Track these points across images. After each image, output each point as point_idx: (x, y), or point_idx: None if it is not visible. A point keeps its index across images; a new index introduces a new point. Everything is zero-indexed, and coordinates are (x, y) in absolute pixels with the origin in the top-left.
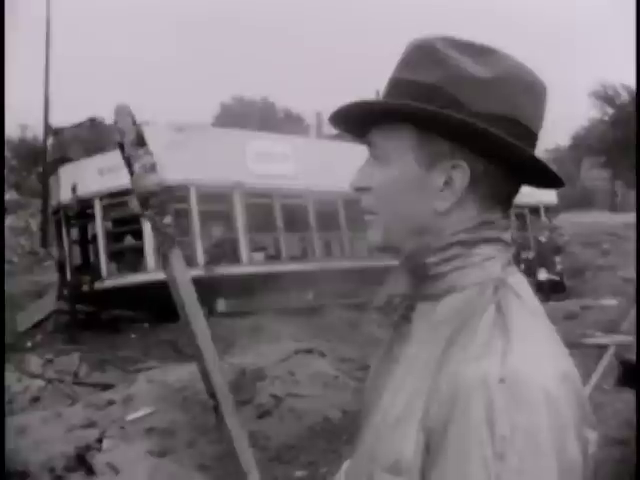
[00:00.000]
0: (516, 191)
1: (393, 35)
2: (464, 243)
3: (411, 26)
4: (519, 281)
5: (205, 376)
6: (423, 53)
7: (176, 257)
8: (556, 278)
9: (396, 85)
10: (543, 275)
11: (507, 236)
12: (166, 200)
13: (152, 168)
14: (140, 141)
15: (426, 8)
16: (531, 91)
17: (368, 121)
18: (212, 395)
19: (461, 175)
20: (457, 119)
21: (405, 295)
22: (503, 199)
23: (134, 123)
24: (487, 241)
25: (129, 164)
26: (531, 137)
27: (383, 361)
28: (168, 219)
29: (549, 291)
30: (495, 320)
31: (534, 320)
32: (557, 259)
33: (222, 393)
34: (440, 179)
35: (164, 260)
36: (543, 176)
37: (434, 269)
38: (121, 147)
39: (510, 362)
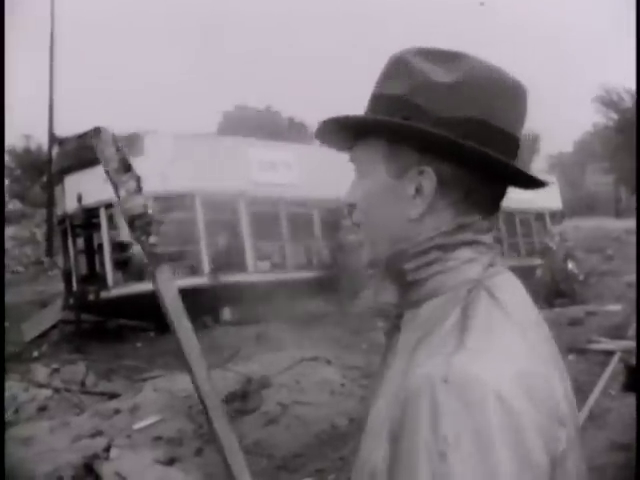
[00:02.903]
0: (498, 193)
1: (398, 44)
2: (441, 247)
3: (417, 35)
4: (501, 282)
5: (195, 384)
6: (394, 66)
7: (163, 274)
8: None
9: (372, 100)
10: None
11: (487, 238)
12: (151, 221)
13: (137, 191)
14: (125, 167)
15: (434, 18)
16: (503, 92)
17: (346, 137)
18: (202, 402)
19: (428, 181)
20: (414, 128)
21: (394, 304)
22: (481, 202)
23: (118, 149)
24: (465, 244)
25: (115, 190)
26: (506, 138)
27: (379, 368)
28: (153, 239)
29: (557, 294)
30: (457, 321)
31: (504, 320)
32: (570, 265)
33: (210, 400)
34: (410, 187)
35: (152, 277)
36: (521, 177)
37: (412, 275)
38: (107, 173)
39: (457, 362)
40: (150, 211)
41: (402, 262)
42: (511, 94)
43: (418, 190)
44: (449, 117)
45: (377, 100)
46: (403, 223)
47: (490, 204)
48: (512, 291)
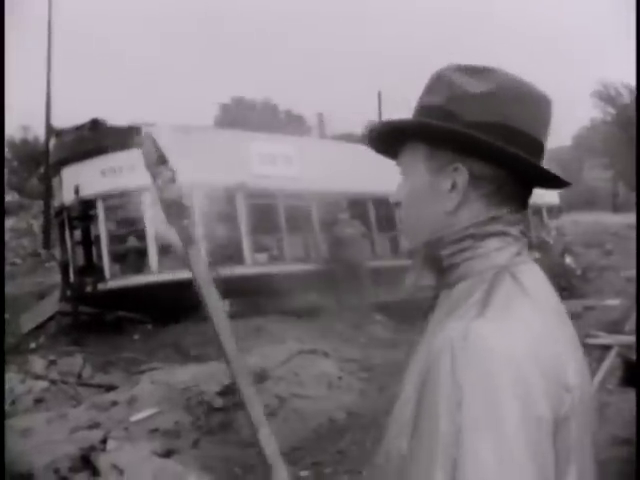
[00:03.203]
0: (525, 191)
1: (394, 36)
2: (473, 236)
3: (412, 28)
4: (525, 269)
5: (227, 362)
6: (434, 80)
7: (195, 252)
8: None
9: (415, 112)
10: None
11: (515, 230)
12: (184, 206)
13: (172, 180)
14: (162, 160)
15: (428, 12)
16: (529, 102)
17: (393, 143)
18: (233, 380)
19: (462, 177)
20: (445, 128)
21: (431, 286)
22: (511, 197)
23: (156, 147)
24: (495, 234)
25: (154, 180)
26: (530, 141)
27: (412, 349)
28: (186, 222)
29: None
30: (481, 298)
31: (522, 300)
32: (567, 260)
33: (242, 378)
34: (446, 183)
35: (185, 256)
36: (546, 177)
37: (448, 260)
38: (147, 166)
39: (475, 325)
40: (183, 198)
41: (439, 249)
42: (536, 103)
43: (453, 185)
44: (479, 121)
45: (418, 111)
46: (440, 215)
47: (519, 200)
48: (534, 278)
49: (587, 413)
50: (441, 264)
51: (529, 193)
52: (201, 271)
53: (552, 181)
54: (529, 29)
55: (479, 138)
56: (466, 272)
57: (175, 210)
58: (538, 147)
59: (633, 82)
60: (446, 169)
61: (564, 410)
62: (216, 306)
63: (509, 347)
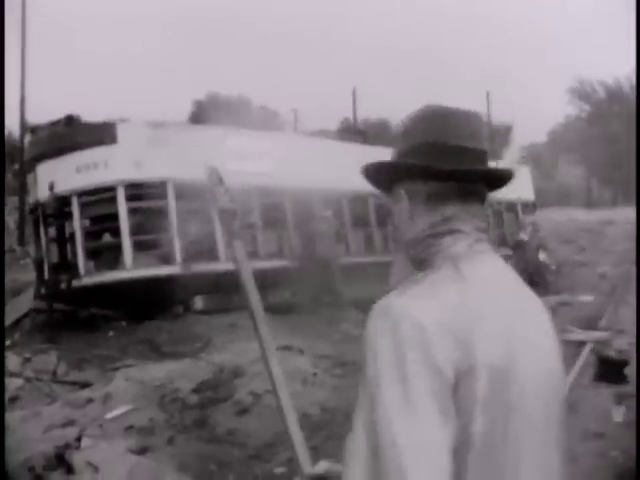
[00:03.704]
0: (470, 191)
1: (372, 32)
2: (432, 236)
3: (389, 24)
4: (471, 258)
5: (263, 354)
6: None
7: (239, 246)
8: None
9: None
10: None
11: (467, 226)
12: (235, 211)
13: (225, 194)
14: (220, 181)
15: (405, 9)
16: (453, 119)
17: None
18: (269, 375)
19: (403, 199)
20: (368, 166)
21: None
22: (458, 199)
23: (217, 173)
24: (447, 233)
25: (214, 195)
26: (461, 151)
27: None
28: (235, 222)
29: (529, 284)
30: (415, 282)
31: (451, 282)
32: (541, 256)
33: (276, 377)
34: (400, 204)
35: (231, 249)
36: (486, 176)
37: (417, 256)
38: (211, 187)
39: (393, 298)
40: (233, 205)
41: (409, 249)
42: (461, 119)
43: (405, 204)
44: (409, 147)
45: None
46: (407, 226)
47: (464, 198)
48: (479, 266)
49: (524, 380)
50: (414, 260)
51: (473, 192)
52: (244, 262)
53: (496, 179)
54: (504, 23)
55: (389, 163)
56: (431, 265)
57: (227, 215)
58: (473, 154)
59: (608, 79)
60: (398, 193)
61: (465, 369)
62: (254, 295)
63: (417, 316)
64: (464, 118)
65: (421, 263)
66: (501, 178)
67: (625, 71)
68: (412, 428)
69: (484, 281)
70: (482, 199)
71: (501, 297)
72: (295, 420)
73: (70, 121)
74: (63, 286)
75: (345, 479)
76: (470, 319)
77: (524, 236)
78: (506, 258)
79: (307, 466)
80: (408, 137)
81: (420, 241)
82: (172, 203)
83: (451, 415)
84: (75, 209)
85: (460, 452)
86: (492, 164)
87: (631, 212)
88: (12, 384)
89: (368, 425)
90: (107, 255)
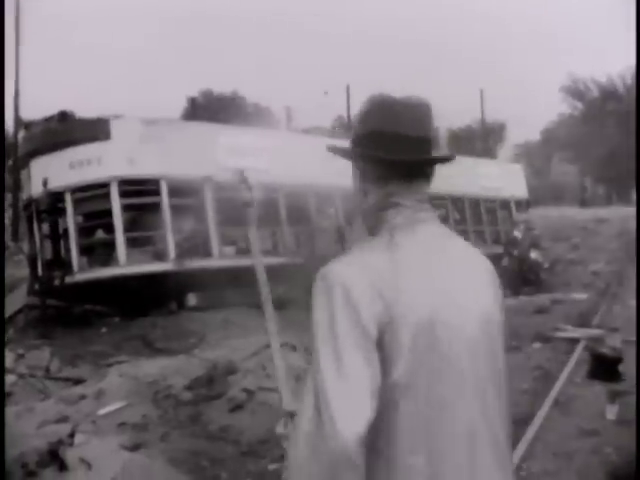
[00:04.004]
0: (408, 170)
1: (366, 29)
2: (379, 209)
3: (384, 21)
4: (408, 228)
5: (273, 350)
6: None
7: (254, 234)
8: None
9: None
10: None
11: (409, 200)
12: (252, 202)
13: (247, 189)
14: (244, 179)
15: (398, 4)
16: (401, 109)
17: None
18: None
19: (356, 176)
20: (334, 149)
21: None
22: (399, 178)
23: (241, 172)
24: (391, 206)
25: (242, 191)
26: (404, 138)
27: None
28: (251, 210)
29: (523, 283)
30: (360, 245)
31: (381, 249)
32: (534, 254)
33: (279, 364)
34: (356, 182)
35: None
36: (422, 160)
37: (368, 226)
38: (239, 183)
39: (331, 266)
40: (252, 199)
41: (363, 219)
42: (407, 108)
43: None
44: (360, 134)
45: None
46: (361, 200)
47: (407, 178)
48: (416, 233)
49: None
50: (368, 228)
51: (412, 171)
52: (257, 252)
53: (439, 161)
54: (503, 22)
55: (342, 149)
56: (378, 233)
57: (247, 205)
58: (418, 141)
59: (602, 77)
60: (354, 172)
61: (386, 321)
62: (264, 285)
63: (347, 282)
64: (410, 108)
65: (372, 231)
66: (441, 160)
67: (618, 69)
68: (339, 378)
69: (416, 246)
70: (426, 177)
71: (431, 259)
72: (282, 363)
73: (64, 117)
74: (57, 282)
75: (296, 422)
76: (395, 279)
77: (517, 234)
78: (496, 256)
79: (288, 403)
80: (360, 124)
81: (371, 213)
82: (165, 200)
83: (375, 365)
84: (68, 205)
85: (389, 392)
86: (474, 157)
87: (624, 210)
88: (6, 380)
89: (312, 376)
90: (100, 251)
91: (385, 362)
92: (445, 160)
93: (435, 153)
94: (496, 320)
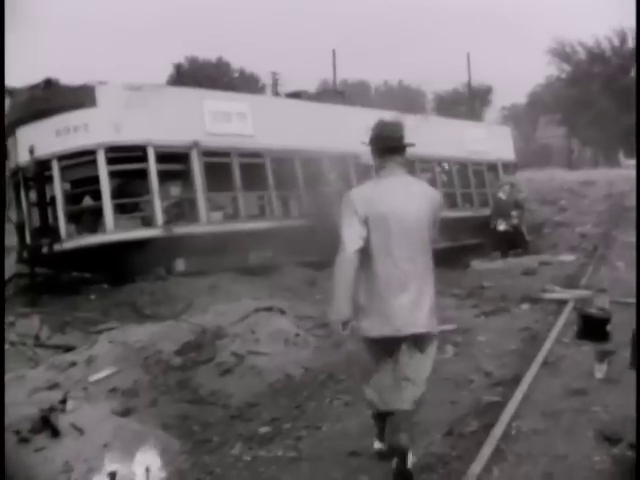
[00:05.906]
0: (388, 152)
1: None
2: (378, 169)
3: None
4: (385, 177)
5: None
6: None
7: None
8: (510, 229)
9: None
10: (502, 226)
11: (389, 164)
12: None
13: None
14: None
15: None
16: (387, 124)
17: None
18: None
19: (371, 155)
20: (365, 142)
21: None
22: (390, 156)
23: None
24: (384, 169)
25: None
26: (389, 138)
27: None
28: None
29: (510, 245)
30: (369, 182)
31: (371, 186)
32: (513, 213)
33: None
34: (372, 157)
35: None
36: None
37: (376, 174)
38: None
39: (353, 189)
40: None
41: (375, 171)
42: (391, 124)
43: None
44: (371, 136)
45: None
46: (374, 164)
47: (389, 154)
48: (387, 181)
49: (407, 223)
50: (377, 175)
51: (400, 150)
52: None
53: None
54: None
55: (366, 142)
56: (375, 179)
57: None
58: (396, 138)
59: (588, 39)
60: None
61: (368, 214)
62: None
63: (353, 195)
64: (391, 123)
65: (378, 176)
66: (407, 146)
67: (605, 32)
68: (348, 232)
69: (388, 183)
70: (400, 154)
71: (394, 188)
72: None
73: (49, 84)
74: (45, 250)
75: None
76: (374, 195)
77: (502, 195)
78: (486, 218)
79: (339, 313)
80: (371, 132)
81: (376, 170)
82: (153, 166)
83: (362, 228)
84: (55, 173)
85: (370, 245)
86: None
87: (611, 172)
88: None
89: (341, 233)
90: (88, 218)
91: (367, 231)
92: (409, 146)
93: (404, 143)
94: (425, 218)
